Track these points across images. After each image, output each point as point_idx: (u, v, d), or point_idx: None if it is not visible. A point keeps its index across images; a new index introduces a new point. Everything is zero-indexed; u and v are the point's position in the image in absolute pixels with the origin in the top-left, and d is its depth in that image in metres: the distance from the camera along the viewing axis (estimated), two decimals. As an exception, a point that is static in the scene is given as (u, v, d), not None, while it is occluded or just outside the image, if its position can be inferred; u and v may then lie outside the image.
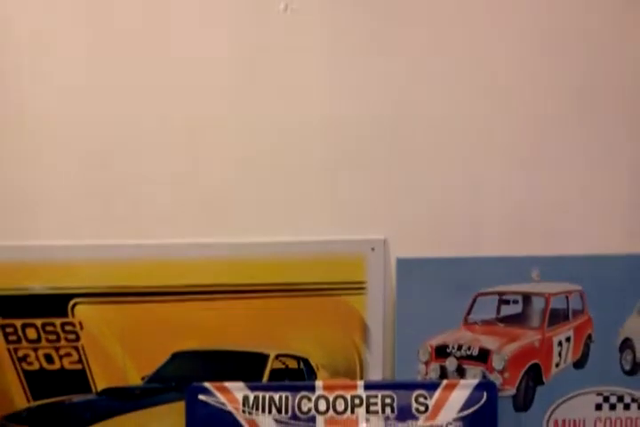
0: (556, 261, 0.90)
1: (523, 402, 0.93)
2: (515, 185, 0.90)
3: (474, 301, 0.91)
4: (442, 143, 0.88)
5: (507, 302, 0.91)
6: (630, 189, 0.91)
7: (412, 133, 0.87)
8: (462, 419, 0.90)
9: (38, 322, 0.89)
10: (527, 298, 0.91)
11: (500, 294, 0.91)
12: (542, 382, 0.93)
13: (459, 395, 0.91)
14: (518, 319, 0.92)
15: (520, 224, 0.91)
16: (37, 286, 0.88)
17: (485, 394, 0.90)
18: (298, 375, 0.93)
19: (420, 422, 0.90)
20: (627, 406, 0.94)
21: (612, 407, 0.94)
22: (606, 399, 0.94)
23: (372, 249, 0.89)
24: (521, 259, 0.90)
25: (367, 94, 0.86)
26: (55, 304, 0.89)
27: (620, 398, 0.94)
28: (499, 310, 0.92)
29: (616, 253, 0.90)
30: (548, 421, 0.94)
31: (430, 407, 0.90)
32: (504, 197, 0.90)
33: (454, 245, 0.91)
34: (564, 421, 0.94)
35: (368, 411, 0.90)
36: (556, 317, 0.92)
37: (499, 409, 0.90)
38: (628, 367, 0.93)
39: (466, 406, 0.90)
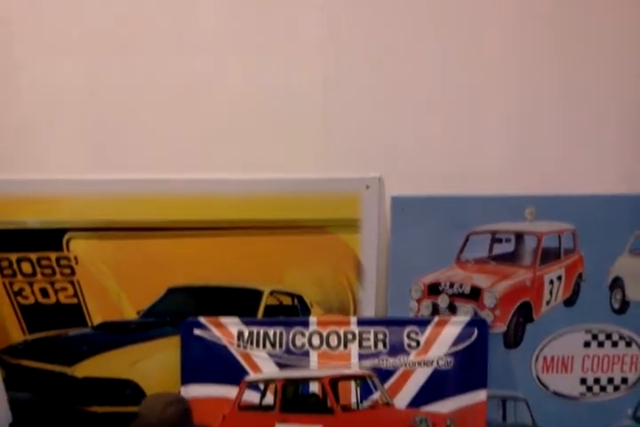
0: (550, 200, 0.90)
1: (513, 339, 0.95)
2: (512, 124, 0.90)
3: (467, 239, 0.91)
4: (439, 79, 0.87)
5: (499, 241, 0.92)
6: (625, 129, 0.91)
7: (409, 68, 0.86)
8: (453, 355, 0.91)
9: (33, 256, 0.89)
10: (520, 237, 0.92)
11: (493, 232, 0.91)
12: (532, 320, 0.94)
13: (450, 331, 0.92)
14: (510, 258, 0.93)
15: (515, 163, 0.91)
16: (32, 219, 0.88)
17: (476, 331, 0.91)
18: (292, 312, 0.94)
19: (412, 357, 0.92)
20: (614, 344, 0.96)
21: (601, 345, 0.96)
22: (595, 337, 0.95)
23: (367, 187, 0.89)
24: (515, 198, 0.90)
25: (365, 33, 0.84)
26: (50, 238, 0.89)
27: (609, 336, 0.95)
28: (491, 249, 0.92)
29: (609, 193, 0.91)
30: (537, 357, 0.96)
31: (422, 343, 0.92)
32: (500, 136, 0.90)
33: (449, 183, 0.91)
34: (552, 357, 0.96)
35: (361, 346, 0.91)
36: (548, 255, 0.92)
37: (489, 346, 0.92)
38: (617, 306, 0.94)
39: (457, 342, 0.92)
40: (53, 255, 0.89)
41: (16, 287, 0.91)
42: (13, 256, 0.89)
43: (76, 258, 0.89)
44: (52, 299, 0.91)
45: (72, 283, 0.91)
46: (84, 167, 0.88)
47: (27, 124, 0.86)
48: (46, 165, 0.88)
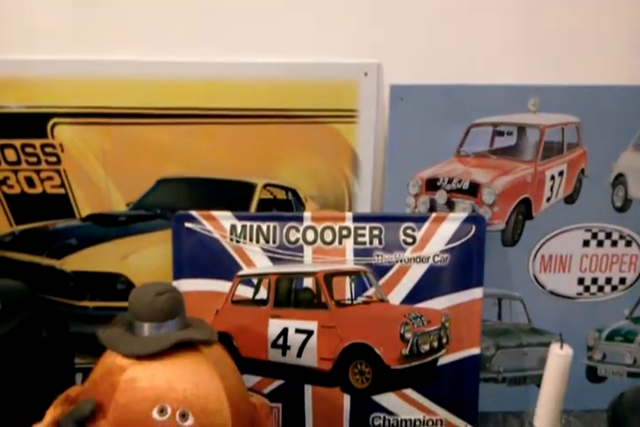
0: (555, 90, 0.87)
1: (511, 237, 0.93)
2: (515, 10, 0.85)
3: (468, 131, 0.88)
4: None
5: (501, 134, 0.89)
6: (635, 19, 0.86)
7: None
8: (449, 251, 0.90)
9: (17, 143, 0.86)
10: (522, 129, 0.89)
11: (495, 124, 0.88)
12: (532, 217, 0.93)
13: (447, 228, 0.90)
14: (511, 152, 0.90)
15: (520, 52, 0.87)
16: (14, 104, 0.84)
17: (474, 227, 0.89)
18: (286, 206, 0.92)
19: (408, 253, 0.90)
20: (614, 243, 0.94)
21: (600, 244, 0.94)
22: (594, 236, 0.94)
23: (365, 74, 0.85)
24: (519, 87, 0.87)
25: None
26: (34, 124, 0.85)
27: (609, 235, 0.94)
28: (492, 142, 0.89)
29: (616, 84, 0.87)
30: (535, 256, 0.94)
31: (418, 240, 0.90)
32: (504, 22, 0.86)
33: (451, 72, 0.87)
34: (550, 256, 0.94)
35: (356, 242, 0.89)
36: (550, 150, 0.90)
37: (486, 243, 0.90)
38: (619, 204, 0.92)
39: (453, 238, 0.90)
40: (38, 142, 0.86)
41: (0, 176, 0.88)
42: (-4, 143, 0.86)
43: (61, 145, 0.86)
44: (39, 189, 0.89)
45: (58, 172, 0.88)
46: (72, 47, 0.83)
47: (8, 3, 0.81)
48: (31, 45, 0.83)
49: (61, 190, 0.89)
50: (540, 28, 0.86)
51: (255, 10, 0.84)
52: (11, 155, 0.86)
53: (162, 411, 0.67)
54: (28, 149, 0.86)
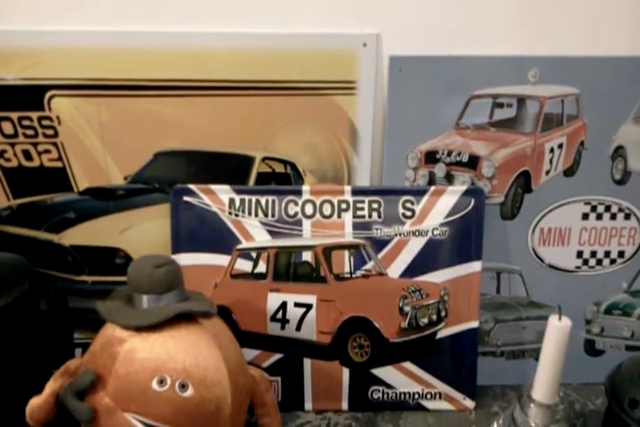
0: (555, 61, 0.86)
1: (510, 210, 0.93)
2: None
3: (467, 103, 0.88)
4: None
5: (500, 106, 0.88)
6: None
7: None
8: (448, 224, 0.90)
9: (14, 115, 0.86)
10: (521, 101, 0.88)
11: (495, 96, 0.88)
12: (531, 190, 0.92)
13: (446, 201, 0.90)
14: (511, 124, 0.90)
15: (519, 22, 0.86)
16: (10, 76, 0.83)
17: (473, 201, 0.89)
18: (285, 180, 0.92)
19: (407, 227, 0.90)
20: (613, 216, 0.94)
21: (599, 217, 0.94)
22: (594, 209, 0.93)
23: (364, 45, 0.85)
24: (518, 58, 0.86)
25: None
26: (31, 97, 0.85)
27: (608, 208, 0.93)
28: (492, 114, 0.89)
29: (617, 55, 0.87)
30: (534, 229, 0.94)
31: (417, 213, 0.90)
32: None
33: (451, 42, 0.87)
34: (549, 229, 0.94)
35: (355, 216, 0.89)
36: (550, 122, 0.89)
37: (485, 216, 0.90)
38: (618, 176, 0.92)
39: (452, 212, 0.90)
40: (35, 115, 0.86)
41: (-3, 149, 0.87)
42: (-7, 115, 0.85)
43: (58, 118, 0.86)
44: (36, 162, 0.88)
45: (55, 145, 0.87)
46: (69, 18, 0.82)
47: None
48: (27, 16, 0.82)
49: (59, 164, 0.88)
50: (542, 1, 0.85)
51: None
52: (8, 128, 0.86)
53: (161, 382, 0.67)
54: (25, 122, 0.86)
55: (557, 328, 0.75)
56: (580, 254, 0.96)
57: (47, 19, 0.82)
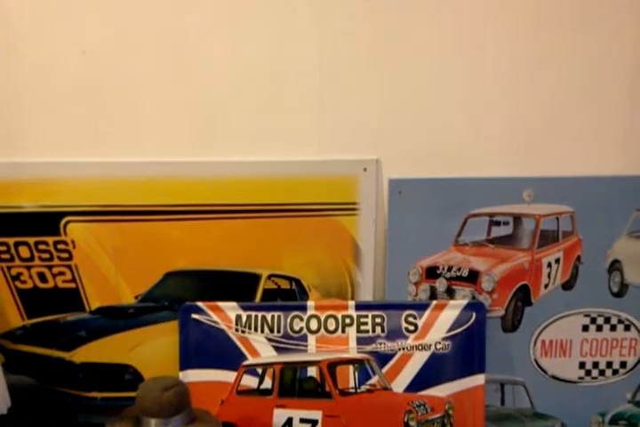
0: (548, 182, 0.90)
1: (511, 323, 0.95)
2: (509, 107, 0.89)
3: (465, 222, 0.91)
4: (437, 61, 0.86)
5: (497, 224, 0.92)
6: (624, 111, 0.90)
7: (408, 47, 0.86)
8: (451, 338, 0.91)
9: (31, 240, 0.89)
10: (518, 219, 0.91)
11: (491, 215, 0.91)
12: (531, 304, 0.94)
13: (448, 315, 0.92)
14: (508, 241, 0.92)
15: (513, 146, 0.91)
16: (29, 203, 0.88)
17: (474, 314, 0.91)
18: (290, 296, 0.94)
19: (410, 341, 0.91)
20: (613, 328, 0.96)
21: (599, 329, 0.96)
22: (593, 321, 0.95)
23: (365, 169, 0.89)
24: (513, 180, 0.90)
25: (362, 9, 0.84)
26: (47, 223, 0.89)
27: (607, 320, 0.95)
28: (489, 232, 0.92)
29: (607, 175, 0.91)
30: (535, 341, 0.96)
31: (420, 327, 0.92)
32: (497, 119, 0.90)
33: (447, 166, 0.91)
34: (551, 341, 0.96)
35: (359, 330, 0.91)
36: (546, 238, 0.92)
37: (487, 330, 0.91)
38: (615, 289, 0.94)
39: (455, 326, 0.91)
40: (51, 240, 0.89)
41: (14, 272, 0.91)
42: (11, 240, 0.89)
43: (73, 242, 0.89)
44: (51, 283, 0.91)
45: (70, 267, 0.91)
46: (82, 150, 0.88)
47: (24, 108, 0.86)
48: (44, 148, 0.88)
49: (72, 285, 0.91)
50: (533, 124, 0.90)
51: (254, 112, 0.88)
52: (24, 252, 0.90)
53: None
54: (41, 246, 0.89)
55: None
56: (582, 365, 0.97)
57: (62, 150, 0.88)
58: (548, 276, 0.93)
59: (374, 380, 0.91)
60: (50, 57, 0.85)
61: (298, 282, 0.93)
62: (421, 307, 0.92)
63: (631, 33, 0.87)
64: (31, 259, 0.90)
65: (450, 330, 0.91)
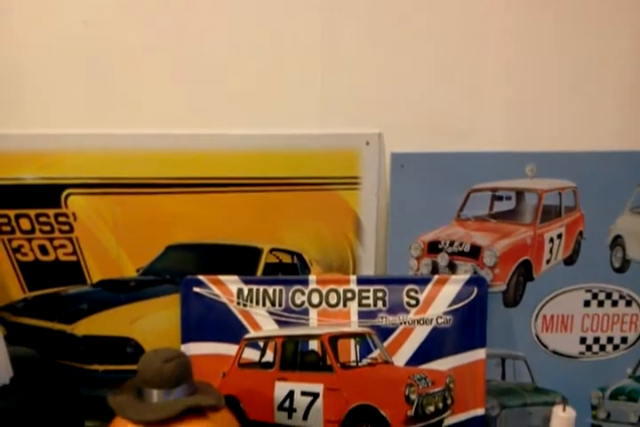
0: (551, 157, 0.90)
1: (512, 298, 0.95)
2: (511, 81, 0.89)
3: (467, 197, 0.91)
4: (438, 33, 0.86)
5: (500, 199, 0.91)
6: (626, 86, 0.90)
7: (409, 21, 0.85)
8: (452, 313, 0.91)
9: (32, 213, 0.89)
10: (520, 194, 0.91)
11: (494, 190, 0.91)
12: (532, 279, 0.94)
13: (449, 290, 0.92)
14: (511, 216, 0.92)
15: (516, 120, 0.90)
16: (29, 175, 0.87)
17: (476, 289, 0.91)
18: (291, 270, 0.94)
19: (411, 315, 0.92)
20: (614, 303, 0.96)
21: (600, 304, 0.96)
22: (595, 296, 0.95)
23: (367, 143, 0.88)
24: (516, 154, 0.90)
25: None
26: (48, 195, 0.88)
27: (609, 295, 0.95)
28: (492, 207, 0.92)
29: (611, 150, 0.90)
30: (536, 316, 0.96)
31: (421, 302, 0.92)
32: (500, 92, 0.89)
33: (450, 140, 0.90)
34: (552, 316, 0.96)
35: (360, 304, 0.91)
36: (549, 213, 0.92)
37: (488, 304, 0.91)
38: (617, 265, 0.94)
39: (456, 300, 0.92)
40: (52, 212, 0.89)
41: (15, 244, 0.90)
42: (12, 213, 0.89)
43: (74, 215, 0.89)
44: (52, 256, 0.91)
45: (71, 240, 0.91)
46: (84, 122, 0.87)
47: (25, 79, 0.85)
48: (45, 120, 0.87)
49: (73, 257, 0.91)
50: (536, 97, 0.89)
51: (256, 85, 0.87)
52: (25, 224, 0.89)
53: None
54: (42, 219, 0.89)
55: (562, 419, 0.77)
56: (583, 341, 0.97)
57: (63, 123, 0.87)
58: (550, 251, 0.93)
59: (375, 353, 0.91)
60: (51, 28, 0.84)
61: (299, 256, 0.93)
62: (423, 281, 0.92)
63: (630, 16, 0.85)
64: (32, 231, 0.90)
65: (451, 305, 0.91)
